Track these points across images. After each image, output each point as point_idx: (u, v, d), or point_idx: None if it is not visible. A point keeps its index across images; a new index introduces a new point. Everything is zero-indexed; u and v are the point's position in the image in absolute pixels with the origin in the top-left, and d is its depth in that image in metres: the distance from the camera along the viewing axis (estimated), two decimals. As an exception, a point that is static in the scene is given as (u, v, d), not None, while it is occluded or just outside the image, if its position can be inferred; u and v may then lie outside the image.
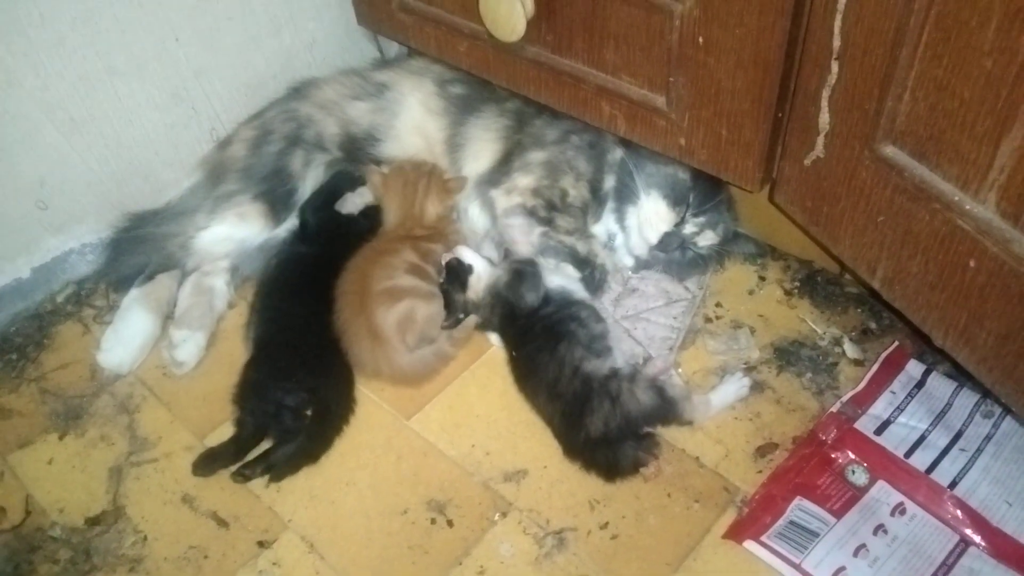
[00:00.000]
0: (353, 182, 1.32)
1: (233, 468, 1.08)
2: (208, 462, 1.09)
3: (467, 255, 1.19)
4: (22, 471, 1.12)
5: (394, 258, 1.19)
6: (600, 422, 1.04)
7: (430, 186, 1.26)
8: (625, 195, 1.27)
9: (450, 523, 1.04)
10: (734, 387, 1.13)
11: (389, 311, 1.14)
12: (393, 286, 1.16)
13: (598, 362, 1.08)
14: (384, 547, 1.02)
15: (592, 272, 1.25)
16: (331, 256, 1.21)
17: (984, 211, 0.76)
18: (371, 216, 1.30)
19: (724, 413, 1.13)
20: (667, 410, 1.07)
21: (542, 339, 1.11)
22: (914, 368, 1.14)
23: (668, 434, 1.11)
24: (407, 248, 1.21)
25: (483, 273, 1.19)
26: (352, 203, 1.31)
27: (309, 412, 1.12)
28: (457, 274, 1.18)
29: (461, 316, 1.19)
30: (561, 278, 1.21)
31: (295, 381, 1.11)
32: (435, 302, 1.18)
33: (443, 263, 1.20)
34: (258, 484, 1.08)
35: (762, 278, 1.32)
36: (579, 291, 1.20)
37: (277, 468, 1.08)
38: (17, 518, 1.07)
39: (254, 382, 1.12)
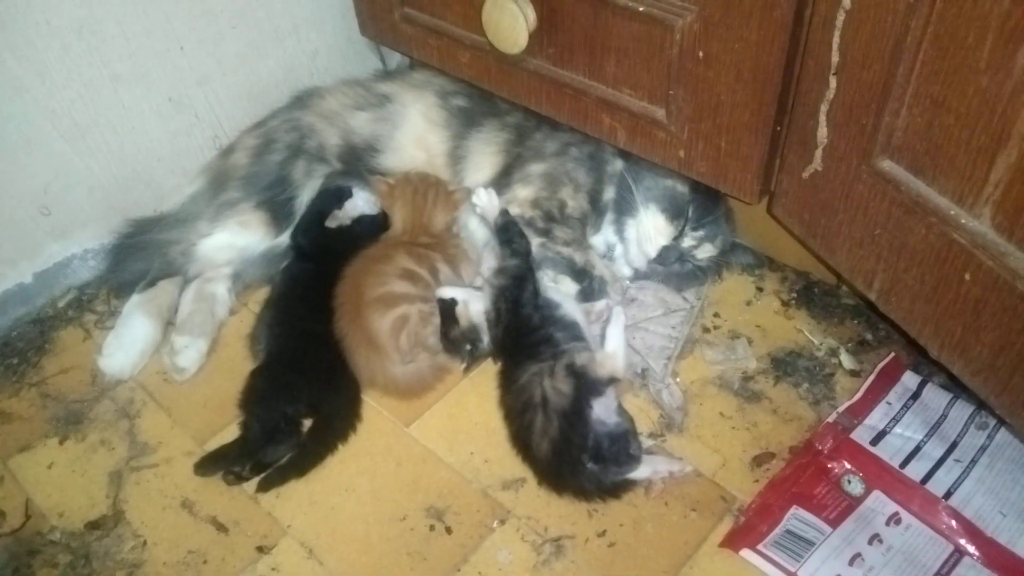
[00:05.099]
0: (339, 198, 1.33)
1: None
2: (211, 463, 1.09)
3: (446, 291, 1.18)
4: (22, 475, 1.12)
5: (387, 265, 1.20)
6: (544, 440, 1.04)
7: (438, 196, 1.27)
8: (624, 208, 1.28)
9: (449, 530, 1.04)
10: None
11: (383, 318, 1.15)
12: (386, 292, 1.17)
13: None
14: (383, 553, 1.02)
15: (590, 283, 1.26)
16: (333, 270, 1.22)
17: (979, 225, 0.78)
18: (365, 224, 1.31)
19: (721, 423, 1.14)
20: (591, 389, 1.04)
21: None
22: (910, 379, 1.15)
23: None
24: (401, 254, 1.22)
25: (466, 299, 1.18)
26: (344, 216, 1.33)
27: (306, 423, 1.13)
28: (444, 311, 1.17)
29: (468, 347, 1.18)
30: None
31: (297, 393, 1.12)
32: (429, 304, 1.19)
33: (438, 302, 1.19)
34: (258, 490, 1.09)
35: (760, 289, 1.33)
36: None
37: (266, 473, 1.09)
38: (17, 522, 1.07)
39: (259, 390, 1.13)
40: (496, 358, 1.18)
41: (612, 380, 1.07)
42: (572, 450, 1.02)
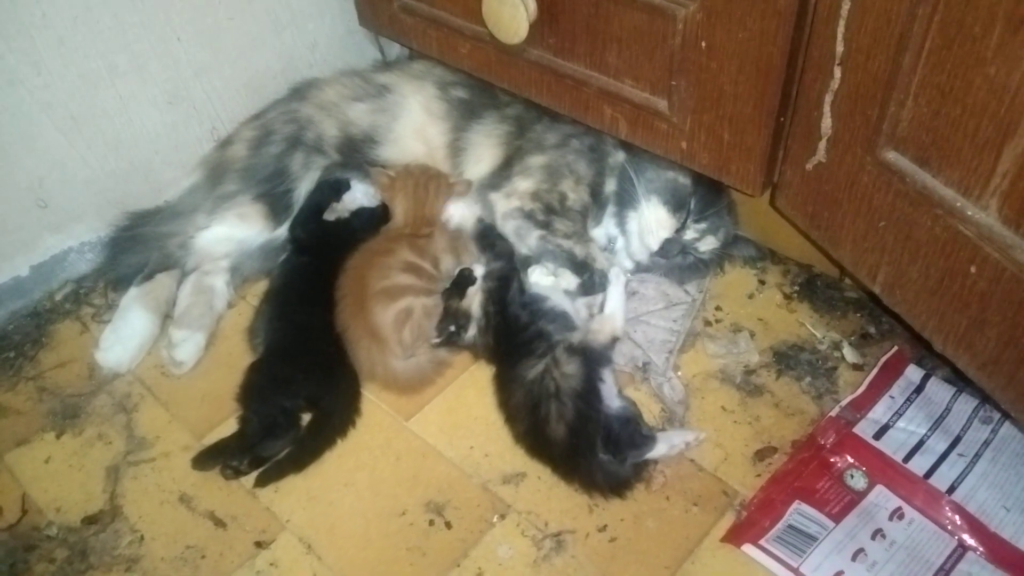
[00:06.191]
0: (337, 190, 1.32)
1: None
2: (209, 457, 1.09)
3: (479, 270, 1.19)
4: (19, 470, 1.12)
5: (390, 258, 1.20)
6: (560, 424, 1.03)
7: (439, 188, 1.26)
8: (626, 200, 1.27)
9: (448, 525, 1.03)
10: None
11: (387, 310, 1.14)
12: (390, 285, 1.16)
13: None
14: (382, 548, 1.02)
15: (591, 276, 1.25)
16: (332, 263, 1.21)
17: (986, 217, 0.77)
18: (363, 217, 1.30)
19: (723, 417, 1.13)
20: (598, 360, 1.07)
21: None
22: (913, 373, 1.15)
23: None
24: (403, 247, 1.22)
25: (479, 288, 1.19)
26: (342, 209, 1.32)
27: (305, 417, 1.13)
28: (460, 282, 1.18)
29: (452, 328, 1.17)
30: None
31: (296, 387, 1.12)
32: (433, 298, 1.18)
33: (457, 271, 1.20)
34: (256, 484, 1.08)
35: (762, 282, 1.32)
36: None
37: (264, 468, 1.08)
38: (13, 517, 1.06)
39: (258, 384, 1.12)
40: (484, 358, 1.18)
41: (614, 341, 1.12)
42: (589, 427, 1.02)
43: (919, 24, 0.74)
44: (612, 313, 1.14)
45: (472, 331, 1.17)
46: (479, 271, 1.18)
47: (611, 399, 1.06)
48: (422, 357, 1.17)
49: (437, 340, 1.18)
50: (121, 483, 1.10)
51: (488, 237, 1.22)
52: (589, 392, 1.04)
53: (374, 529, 1.03)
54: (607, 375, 1.08)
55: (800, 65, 0.91)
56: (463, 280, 1.17)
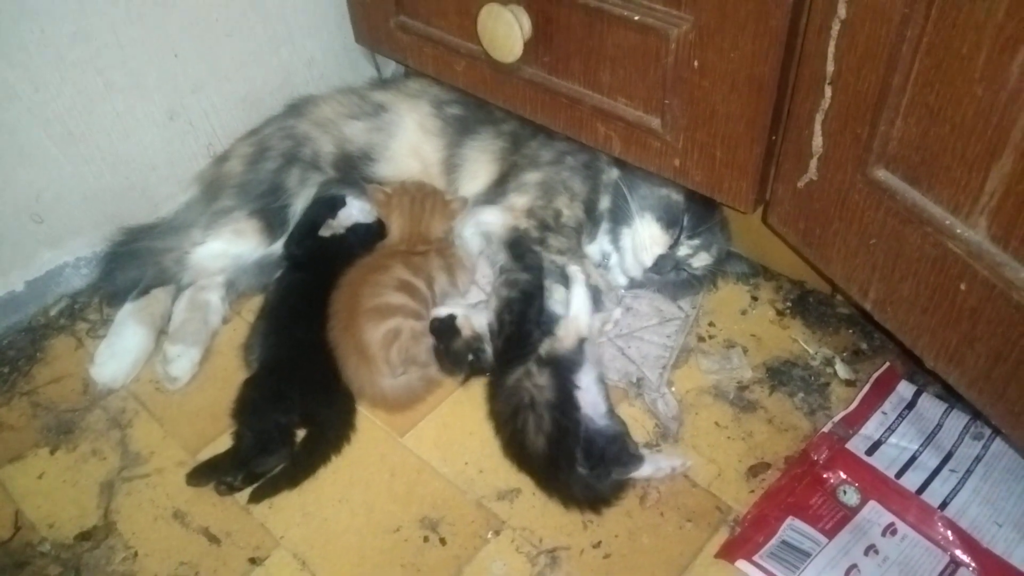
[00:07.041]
0: (333, 207, 1.33)
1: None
2: (204, 473, 1.09)
3: (440, 311, 1.19)
4: (12, 485, 1.11)
5: (384, 275, 1.20)
6: (539, 437, 1.04)
7: (435, 205, 1.27)
8: (619, 217, 1.28)
9: (443, 541, 1.03)
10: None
11: (376, 328, 1.14)
12: (382, 303, 1.16)
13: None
14: (377, 565, 1.01)
15: (585, 292, 1.25)
16: (328, 279, 1.21)
17: (975, 235, 0.77)
18: (359, 233, 1.31)
19: (716, 433, 1.13)
20: (569, 366, 1.07)
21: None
22: (905, 389, 1.15)
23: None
24: (398, 264, 1.22)
25: (465, 313, 1.19)
26: (338, 225, 1.33)
27: (300, 433, 1.12)
28: (443, 329, 1.17)
29: (471, 358, 1.17)
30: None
31: (291, 403, 1.11)
32: (423, 321, 1.18)
33: (430, 323, 1.19)
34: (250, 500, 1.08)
35: (755, 298, 1.33)
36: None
37: (258, 484, 1.08)
38: (6, 533, 1.06)
39: (253, 400, 1.12)
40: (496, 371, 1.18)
41: (581, 343, 1.11)
42: (567, 439, 1.03)
43: (908, 44, 0.75)
44: (576, 314, 1.14)
45: (489, 347, 1.18)
46: (459, 311, 1.18)
47: (597, 415, 1.07)
48: (412, 375, 1.17)
49: (463, 377, 1.18)
50: (115, 499, 1.09)
51: (521, 246, 1.22)
52: (564, 401, 1.05)
53: (368, 545, 1.03)
54: (584, 380, 1.08)
55: (791, 84, 0.92)
56: (443, 328, 1.17)
